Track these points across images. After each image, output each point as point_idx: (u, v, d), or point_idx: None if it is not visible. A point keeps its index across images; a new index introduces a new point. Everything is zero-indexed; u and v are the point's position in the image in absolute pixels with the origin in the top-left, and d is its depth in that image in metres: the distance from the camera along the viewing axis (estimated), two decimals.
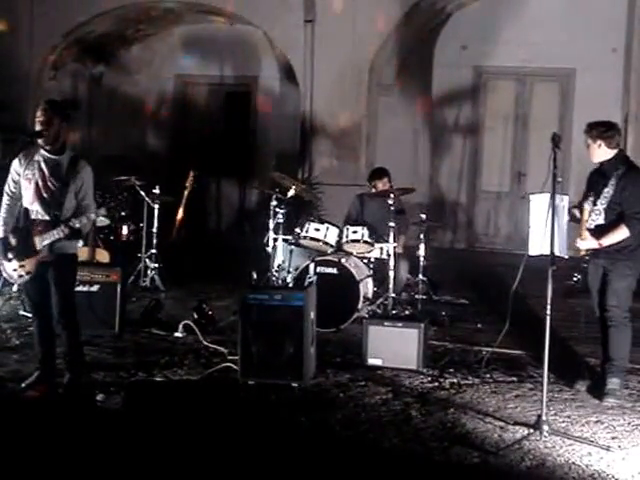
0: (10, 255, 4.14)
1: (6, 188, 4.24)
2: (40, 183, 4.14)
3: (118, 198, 4.10)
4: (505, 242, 9.52)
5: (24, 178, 4.18)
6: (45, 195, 4.14)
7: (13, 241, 4.15)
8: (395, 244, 5.95)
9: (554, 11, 9.18)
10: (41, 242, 4.10)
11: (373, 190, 6.49)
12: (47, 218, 4.11)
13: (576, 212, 4.34)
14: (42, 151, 4.18)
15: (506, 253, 8.81)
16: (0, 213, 4.22)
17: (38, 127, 4.12)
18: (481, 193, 9.82)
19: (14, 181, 4.22)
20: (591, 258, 4.38)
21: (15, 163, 4.23)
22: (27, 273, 4.14)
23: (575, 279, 4.33)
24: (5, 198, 4.24)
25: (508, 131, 9.66)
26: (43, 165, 4.17)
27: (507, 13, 9.34)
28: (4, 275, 4.32)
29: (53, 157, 4.18)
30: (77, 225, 4.07)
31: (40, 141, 4.16)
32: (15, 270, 4.16)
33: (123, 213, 4.20)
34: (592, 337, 5.12)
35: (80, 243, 4.57)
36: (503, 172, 9.72)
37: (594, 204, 4.26)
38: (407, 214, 6.54)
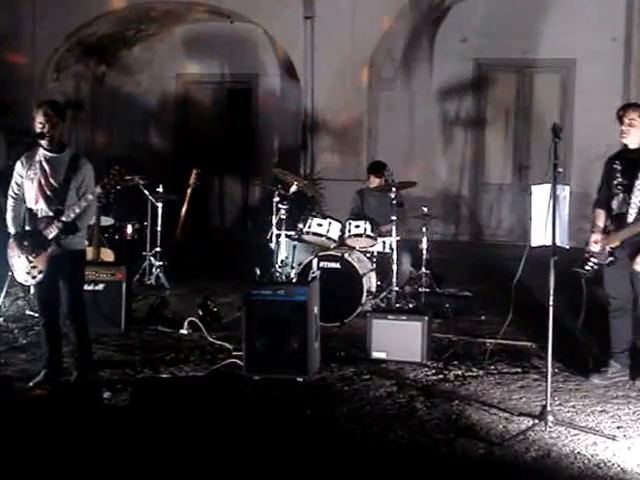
0: (23, 254, 4.18)
1: (10, 191, 4.30)
2: (42, 181, 4.19)
3: (110, 172, 4.12)
4: (508, 234, 9.52)
5: (27, 179, 4.23)
6: (48, 192, 4.19)
7: (24, 241, 4.19)
8: (397, 238, 5.97)
9: (553, 2, 9.16)
10: (48, 235, 4.14)
11: (370, 184, 6.52)
12: (51, 214, 4.17)
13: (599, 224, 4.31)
14: (43, 151, 4.23)
15: (509, 245, 8.81)
16: (7, 214, 4.28)
17: (41, 129, 4.16)
18: (483, 185, 9.82)
19: (17, 184, 4.27)
20: (613, 251, 4.31)
21: (18, 166, 4.28)
22: (40, 272, 4.19)
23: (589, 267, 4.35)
24: (10, 201, 4.29)
25: (509, 123, 9.65)
26: (45, 164, 4.22)
27: (506, 5, 9.33)
28: (19, 280, 4.37)
29: (54, 155, 4.22)
30: (71, 215, 4.09)
31: (43, 142, 4.20)
32: (28, 273, 4.20)
33: (119, 187, 4.20)
34: (596, 327, 5.13)
35: (86, 242, 4.60)
36: (505, 164, 9.72)
37: (629, 197, 4.20)
38: (406, 206, 6.53)
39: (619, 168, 4.30)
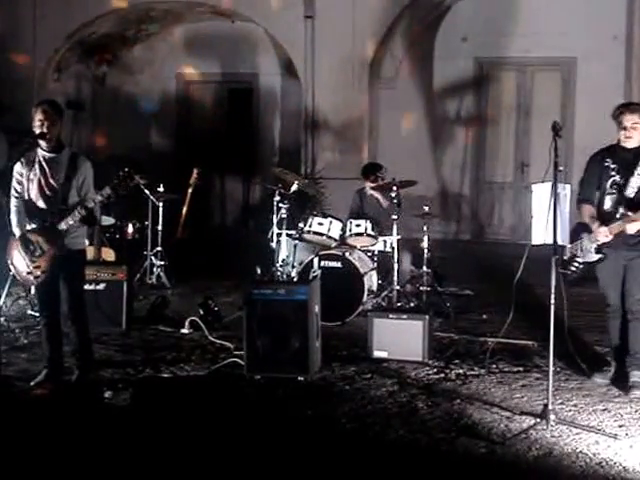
0: (29, 254, 4.18)
1: (12, 191, 4.30)
2: (42, 182, 4.20)
3: (119, 175, 4.12)
4: (510, 232, 9.51)
5: (26, 179, 4.23)
6: (49, 193, 4.19)
7: (29, 240, 4.18)
8: (398, 237, 5.96)
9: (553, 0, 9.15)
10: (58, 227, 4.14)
11: (366, 186, 6.51)
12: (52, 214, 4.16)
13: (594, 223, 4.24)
14: (41, 151, 4.23)
15: (511, 243, 8.80)
16: (12, 215, 4.29)
17: (40, 129, 4.15)
18: (485, 184, 9.82)
19: (18, 182, 4.27)
20: (608, 250, 4.22)
21: (17, 166, 4.28)
22: (43, 272, 4.18)
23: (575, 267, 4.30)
24: (13, 201, 4.30)
25: (510, 122, 9.64)
26: (44, 164, 4.22)
27: (506, 3, 9.32)
28: (21, 280, 4.36)
29: (53, 155, 4.22)
30: (91, 204, 4.10)
31: (42, 142, 4.20)
32: (30, 273, 4.20)
33: (128, 188, 4.17)
34: (598, 325, 5.13)
35: (86, 242, 4.60)
36: (506, 163, 9.71)
37: (622, 196, 4.14)
38: (402, 206, 6.52)
39: (614, 167, 4.21)
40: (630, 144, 4.21)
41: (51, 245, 4.15)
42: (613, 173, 4.22)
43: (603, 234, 4.19)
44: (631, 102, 4.36)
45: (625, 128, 4.17)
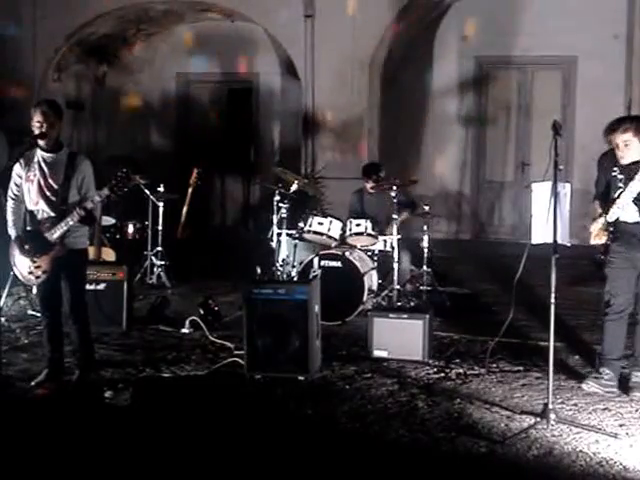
0: (26, 256, 4.18)
1: (9, 192, 4.30)
2: (42, 182, 4.20)
3: (118, 175, 4.11)
4: (510, 232, 9.51)
5: (26, 180, 4.24)
6: (48, 193, 4.19)
7: (25, 243, 4.19)
8: (398, 236, 5.96)
9: None
10: (52, 235, 4.15)
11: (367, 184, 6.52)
12: (53, 215, 4.16)
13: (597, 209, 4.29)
14: (40, 151, 4.23)
15: (511, 243, 8.80)
16: (8, 216, 4.28)
17: (39, 129, 4.15)
18: (485, 183, 9.82)
19: (16, 184, 4.28)
20: (622, 250, 4.21)
21: (17, 167, 4.27)
22: (44, 272, 4.19)
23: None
24: (10, 202, 4.30)
25: (511, 121, 9.64)
26: (43, 164, 4.22)
27: (507, 2, 9.32)
28: (22, 280, 4.37)
29: (52, 155, 4.23)
30: (89, 206, 4.10)
31: (41, 142, 4.20)
32: (31, 272, 4.20)
33: (126, 189, 4.16)
34: (598, 325, 5.12)
35: (87, 241, 4.61)
36: (507, 162, 9.71)
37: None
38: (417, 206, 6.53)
39: (620, 177, 4.17)
40: (630, 159, 4.13)
41: (45, 253, 4.14)
42: (620, 185, 4.18)
43: (592, 237, 4.28)
44: (619, 119, 4.26)
45: (617, 147, 4.13)
